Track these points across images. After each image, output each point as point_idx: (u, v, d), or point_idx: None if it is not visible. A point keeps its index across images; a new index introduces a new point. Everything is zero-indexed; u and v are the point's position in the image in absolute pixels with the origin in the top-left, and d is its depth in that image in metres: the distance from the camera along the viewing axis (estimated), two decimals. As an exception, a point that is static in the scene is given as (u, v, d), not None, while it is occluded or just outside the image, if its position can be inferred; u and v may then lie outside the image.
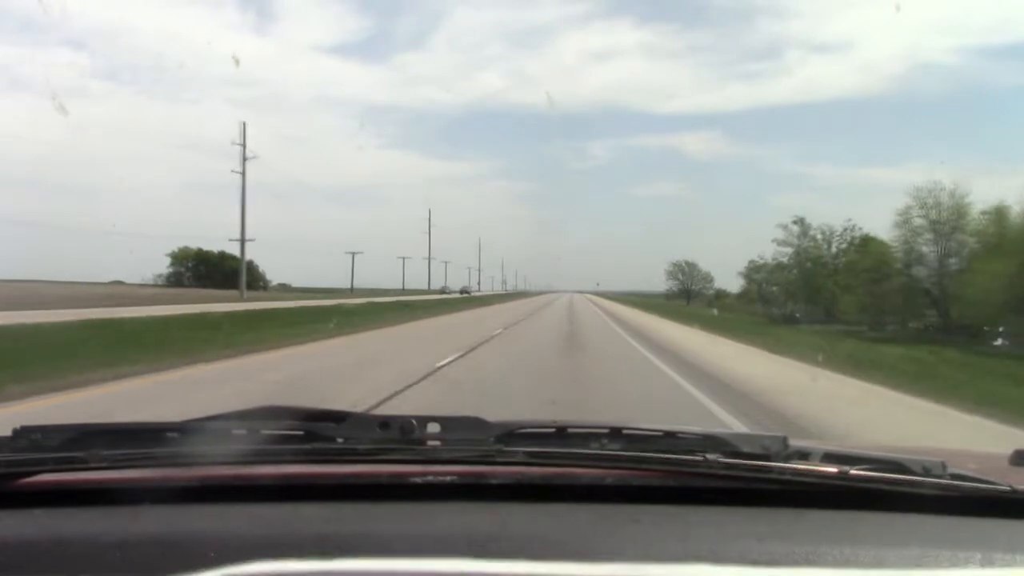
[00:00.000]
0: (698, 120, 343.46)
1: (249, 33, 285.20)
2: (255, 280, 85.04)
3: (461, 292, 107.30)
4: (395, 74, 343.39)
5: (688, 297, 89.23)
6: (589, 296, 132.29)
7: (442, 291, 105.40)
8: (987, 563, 1.02)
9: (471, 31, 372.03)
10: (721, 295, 78.74)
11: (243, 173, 56.01)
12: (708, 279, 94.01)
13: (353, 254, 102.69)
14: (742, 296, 66.29)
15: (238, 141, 55.67)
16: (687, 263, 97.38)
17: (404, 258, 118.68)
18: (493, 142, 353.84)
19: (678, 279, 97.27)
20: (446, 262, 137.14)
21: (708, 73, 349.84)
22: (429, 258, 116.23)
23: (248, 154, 56.01)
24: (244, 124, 58.59)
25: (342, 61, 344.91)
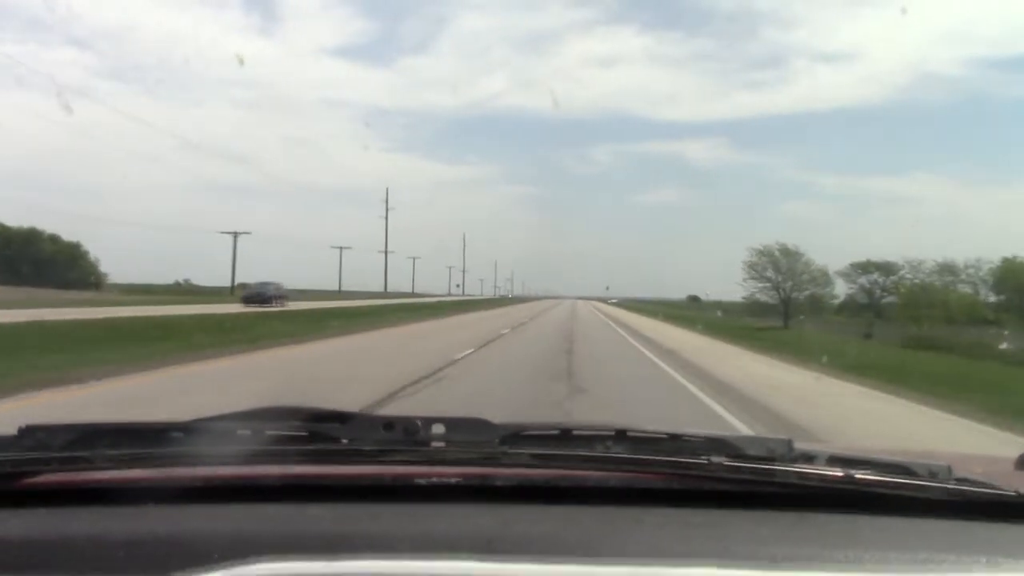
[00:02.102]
0: (702, 127, 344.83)
1: (254, 35, 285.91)
2: (84, 274, 59.44)
3: (248, 299, 48.23)
4: (400, 77, 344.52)
5: (786, 313, 44.59)
6: (596, 304, 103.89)
7: (246, 296, 49.17)
8: (992, 568, 1.02)
9: (476, 36, 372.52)
10: (819, 302, 46.09)
11: None
12: (822, 280, 46.81)
13: (235, 234, 71.24)
14: (848, 308, 42.22)
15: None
16: (784, 250, 46.41)
17: (342, 248, 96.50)
18: (497, 146, 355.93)
19: (767, 279, 46.61)
20: (414, 258, 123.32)
21: (713, 81, 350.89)
22: (386, 251, 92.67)
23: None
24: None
25: (347, 64, 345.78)
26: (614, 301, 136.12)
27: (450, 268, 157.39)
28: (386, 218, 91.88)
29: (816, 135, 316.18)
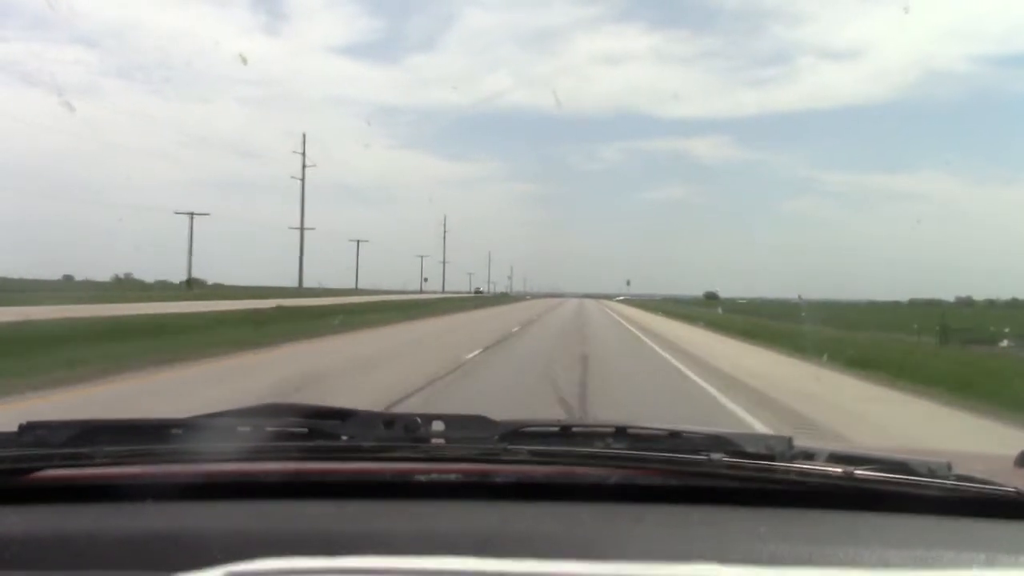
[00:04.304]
0: (709, 125, 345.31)
1: (261, 33, 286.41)
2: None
3: None
4: (406, 75, 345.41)
5: None
6: (608, 304, 78.17)
7: None
8: (990, 565, 1.02)
9: (482, 33, 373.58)
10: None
11: None
12: None
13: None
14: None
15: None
16: None
17: (194, 215, 64.86)
18: (503, 144, 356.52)
19: None
20: (359, 240, 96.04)
21: (719, 78, 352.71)
22: (301, 228, 62.09)
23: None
24: None
25: (353, 62, 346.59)
26: (620, 299, 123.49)
27: (422, 258, 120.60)
28: (302, 179, 62.61)
29: (823, 132, 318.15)
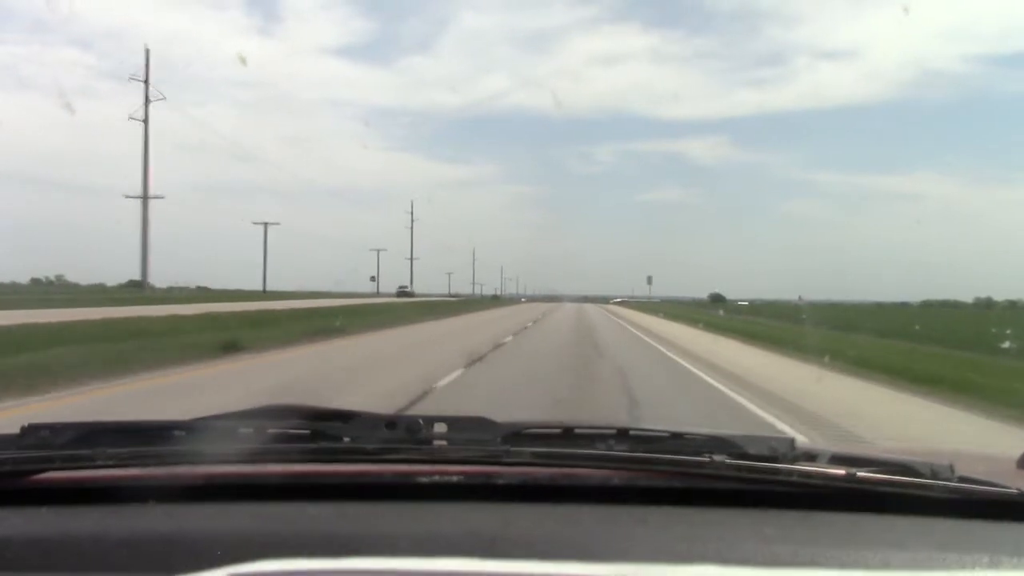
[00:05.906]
0: (706, 125, 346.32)
1: (255, 35, 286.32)
2: None
3: None
4: (401, 77, 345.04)
5: None
6: (612, 310, 63.62)
7: None
8: (994, 566, 1.02)
9: (478, 35, 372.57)
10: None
11: None
12: None
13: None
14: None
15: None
16: None
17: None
18: (499, 146, 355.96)
19: None
20: (266, 223, 78.88)
21: (715, 79, 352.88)
22: (144, 197, 50.27)
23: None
24: None
25: (349, 64, 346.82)
26: (617, 300, 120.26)
27: (378, 252, 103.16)
28: (145, 119, 48.41)
29: (819, 133, 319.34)
